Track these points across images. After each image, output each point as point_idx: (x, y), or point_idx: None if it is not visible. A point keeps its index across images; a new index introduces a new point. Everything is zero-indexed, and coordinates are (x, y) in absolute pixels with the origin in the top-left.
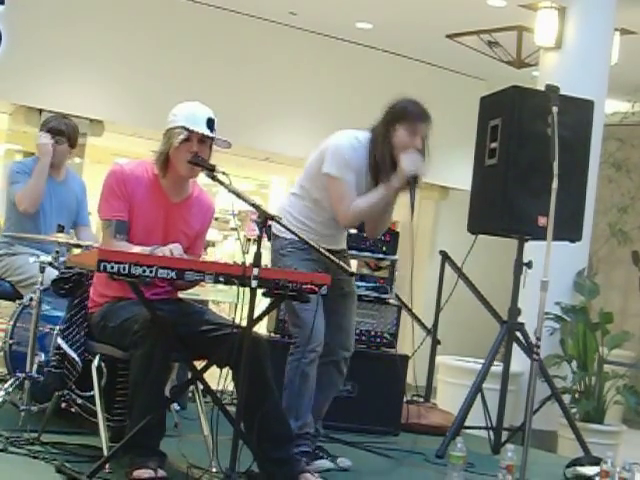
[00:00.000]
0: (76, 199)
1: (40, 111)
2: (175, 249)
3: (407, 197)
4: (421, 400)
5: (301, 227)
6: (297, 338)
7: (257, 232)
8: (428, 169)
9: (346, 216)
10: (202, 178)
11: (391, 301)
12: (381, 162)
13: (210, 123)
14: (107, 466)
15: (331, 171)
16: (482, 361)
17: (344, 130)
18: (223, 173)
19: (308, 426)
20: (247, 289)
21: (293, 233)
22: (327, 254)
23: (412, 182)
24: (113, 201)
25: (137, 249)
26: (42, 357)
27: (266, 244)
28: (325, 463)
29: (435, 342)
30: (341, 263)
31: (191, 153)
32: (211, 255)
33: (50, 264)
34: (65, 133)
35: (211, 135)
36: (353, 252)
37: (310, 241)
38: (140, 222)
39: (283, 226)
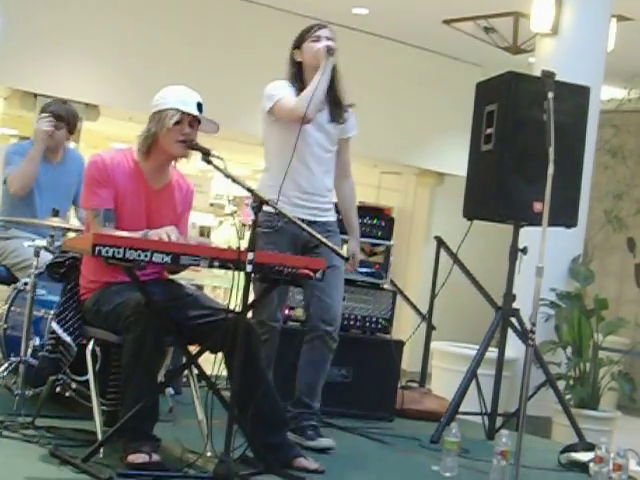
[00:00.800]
0: (75, 179)
1: (35, 95)
2: (172, 232)
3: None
4: (416, 386)
5: (277, 192)
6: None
7: (252, 217)
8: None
9: (298, 108)
10: (197, 163)
11: (386, 286)
12: (300, 84)
13: (199, 107)
14: (101, 450)
15: (267, 105)
16: (477, 347)
17: None
18: (218, 157)
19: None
20: (243, 274)
21: (283, 214)
22: (325, 240)
23: (327, 53)
24: (98, 190)
25: (127, 235)
26: (37, 341)
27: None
28: (329, 441)
29: (430, 328)
30: (335, 247)
31: (183, 135)
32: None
33: (45, 248)
34: (65, 119)
35: (202, 116)
36: (347, 237)
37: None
38: (124, 210)
39: (277, 209)
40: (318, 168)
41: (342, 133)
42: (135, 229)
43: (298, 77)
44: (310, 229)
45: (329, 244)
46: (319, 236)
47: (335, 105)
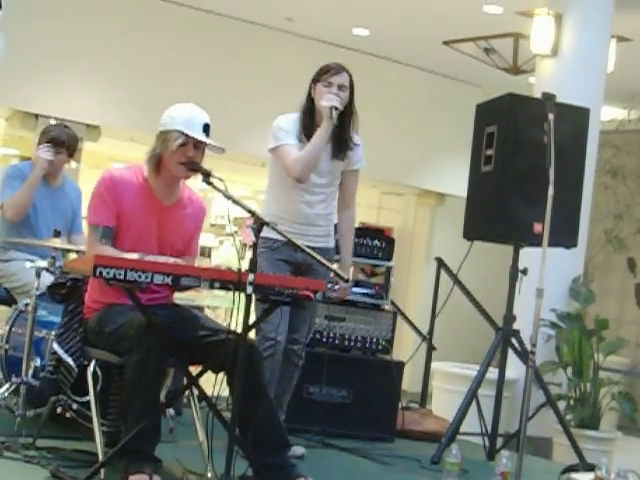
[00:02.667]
0: (71, 206)
1: (37, 116)
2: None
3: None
4: (416, 406)
5: (277, 221)
6: (256, 335)
7: (253, 238)
8: (344, 105)
9: (293, 168)
10: (198, 184)
11: (386, 307)
12: (311, 122)
13: (206, 128)
14: (102, 471)
15: (271, 144)
16: (477, 367)
17: None
18: (219, 179)
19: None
20: (243, 295)
21: (283, 235)
22: (317, 256)
23: (330, 113)
24: (101, 207)
25: (125, 255)
26: (38, 362)
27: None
28: (299, 449)
29: (430, 348)
30: (337, 270)
31: (186, 158)
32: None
33: (46, 269)
34: (65, 144)
35: (207, 142)
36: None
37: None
38: (132, 228)
39: (279, 232)
40: (315, 201)
41: (347, 166)
42: (145, 246)
43: (309, 114)
44: (310, 250)
45: (327, 264)
46: (319, 257)
47: (339, 142)
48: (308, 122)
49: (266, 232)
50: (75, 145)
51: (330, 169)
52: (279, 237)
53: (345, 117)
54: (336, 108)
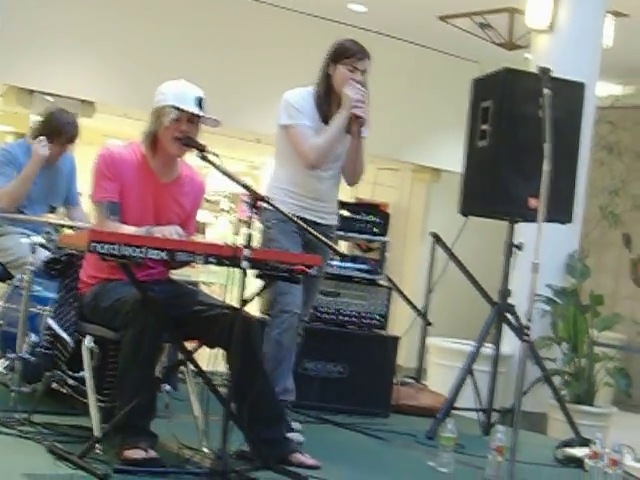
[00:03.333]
0: (65, 179)
1: (31, 92)
2: (176, 232)
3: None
4: (412, 381)
5: (286, 195)
6: (271, 309)
7: (248, 213)
8: (369, 103)
9: (308, 155)
10: (193, 159)
11: (382, 282)
12: (324, 104)
13: (199, 102)
14: (98, 446)
15: (284, 121)
16: (473, 343)
17: None
18: (214, 154)
19: (288, 394)
20: (238, 270)
21: (280, 211)
22: (317, 234)
23: (353, 109)
24: (103, 183)
25: (131, 229)
26: (33, 338)
27: (257, 225)
28: (298, 437)
29: (426, 323)
30: (330, 243)
31: (180, 132)
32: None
33: (41, 245)
34: (64, 135)
35: (201, 114)
36: (343, 233)
37: (294, 217)
38: (131, 204)
39: (273, 206)
40: (326, 177)
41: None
42: (143, 223)
43: (327, 94)
44: (306, 225)
45: (324, 240)
46: (315, 232)
47: (351, 118)
48: (324, 103)
49: (278, 204)
50: (76, 133)
51: (342, 147)
52: (292, 208)
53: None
54: (359, 116)
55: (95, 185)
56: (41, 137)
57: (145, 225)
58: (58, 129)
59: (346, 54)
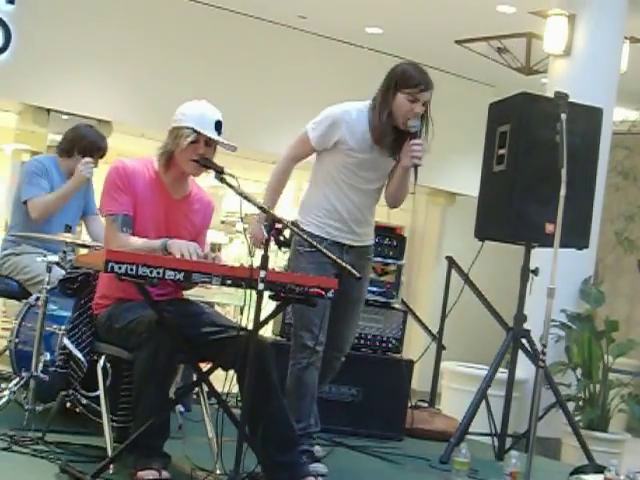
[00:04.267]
0: (83, 190)
1: (48, 111)
2: (194, 250)
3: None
4: (426, 405)
5: (320, 217)
6: (293, 342)
7: (265, 234)
8: (429, 144)
9: (279, 159)
10: (209, 180)
11: (397, 306)
12: (380, 127)
13: (218, 125)
14: (111, 466)
15: (308, 125)
16: (487, 367)
17: None
18: (231, 175)
19: (311, 427)
20: (254, 292)
21: (306, 239)
22: (330, 254)
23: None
24: (117, 196)
25: (146, 241)
26: (47, 357)
27: (273, 247)
28: (320, 468)
29: (440, 347)
30: (347, 266)
31: (198, 155)
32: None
33: (57, 264)
34: (102, 150)
35: (219, 140)
36: None
37: (320, 245)
38: (144, 217)
39: (293, 230)
40: (362, 202)
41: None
42: (155, 237)
43: (384, 113)
44: (322, 247)
45: (339, 262)
46: (334, 257)
47: (399, 141)
48: (382, 126)
49: (313, 229)
50: (107, 146)
51: (383, 167)
52: (327, 236)
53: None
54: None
55: (108, 197)
56: (87, 159)
57: (157, 238)
58: (94, 144)
59: (409, 83)
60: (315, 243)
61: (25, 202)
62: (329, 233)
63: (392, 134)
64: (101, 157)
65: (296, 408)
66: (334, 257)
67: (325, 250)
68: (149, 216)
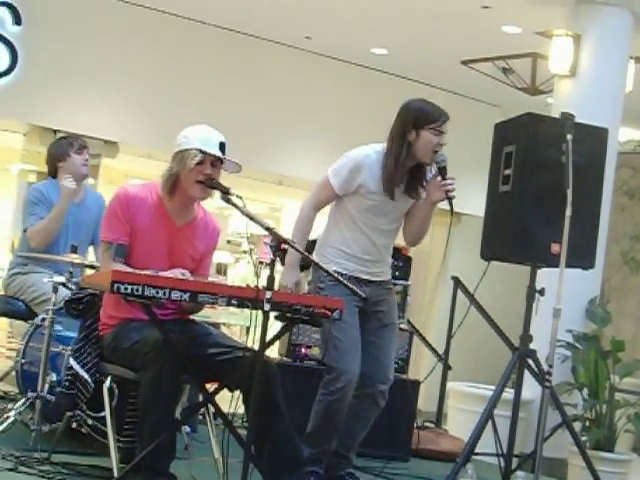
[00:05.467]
0: (94, 218)
1: (55, 132)
2: (182, 275)
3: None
4: (432, 426)
5: (338, 255)
6: (327, 373)
7: (270, 255)
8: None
9: (303, 206)
10: (215, 201)
11: (403, 326)
12: (397, 171)
13: (222, 147)
14: None
15: (329, 171)
16: (493, 388)
17: None
18: (238, 196)
19: (326, 454)
20: (259, 312)
21: (321, 268)
22: (341, 279)
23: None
24: (115, 224)
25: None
26: (54, 377)
27: (279, 268)
28: None
29: (446, 368)
30: (355, 288)
31: (204, 175)
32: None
33: (63, 284)
34: (81, 145)
35: (225, 157)
36: None
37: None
38: (143, 245)
39: (296, 249)
40: (381, 242)
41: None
42: (155, 264)
43: (403, 159)
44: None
45: (351, 287)
46: (336, 275)
47: (415, 183)
48: (393, 172)
49: (330, 266)
50: (82, 141)
51: (400, 207)
52: (344, 272)
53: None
54: (450, 199)
55: (107, 224)
56: (67, 175)
57: (156, 267)
58: (67, 143)
59: (430, 119)
60: (333, 273)
61: (25, 231)
62: (346, 268)
63: (407, 175)
64: (80, 147)
65: (317, 434)
66: (344, 281)
67: (339, 277)
68: (150, 244)
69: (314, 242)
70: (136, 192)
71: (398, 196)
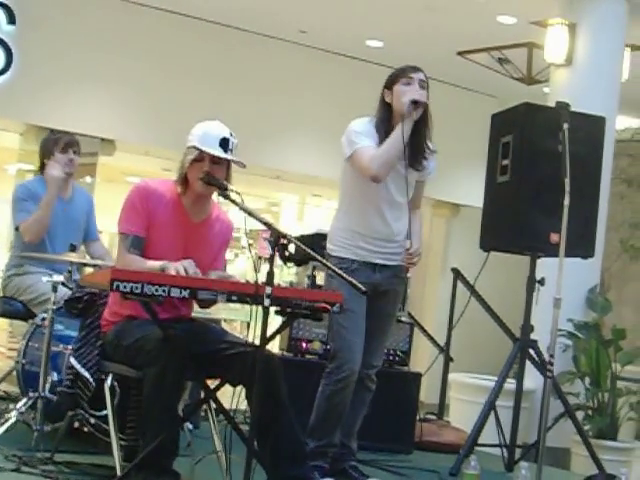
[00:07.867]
0: (84, 215)
1: (52, 131)
2: (189, 266)
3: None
4: (434, 418)
5: (351, 237)
6: (330, 361)
7: (269, 251)
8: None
9: (370, 166)
10: (214, 197)
11: (403, 319)
12: (384, 128)
13: (224, 143)
14: None
15: (348, 151)
16: (495, 378)
17: None
18: (236, 192)
19: (331, 447)
20: (260, 307)
21: (316, 259)
22: (340, 272)
23: (412, 106)
24: (133, 216)
25: (149, 263)
26: (55, 377)
27: (278, 262)
28: None
29: (448, 359)
30: (354, 281)
31: (203, 172)
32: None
33: (63, 284)
34: (78, 144)
35: (221, 156)
36: None
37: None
38: (161, 240)
39: (297, 244)
40: (392, 215)
41: (420, 176)
42: (170, 259)
43: (386, 119)
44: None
45: (347, 278)
46: (335, 269)
47: (416, 151)
48: (387, 128)
49: (342, 253)
50: (71, 137)
51: (407, 178)
52: (356, 257)
53: (421, 123)
54: (416, 102)
55: (124, 215)
56: (50, 162)
57: (173, 260)
58: (52, 141)
59: (397, 74)
60: (330, 265)
61: (17, 229)
62: (358, 254)
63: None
64: (68, 144)
65: (321, 426)
66: (341, 273)
67: (328, 263)
68: (167, 239)
69: (314, 236)
70: (156, 186)
71: (400, 167)
